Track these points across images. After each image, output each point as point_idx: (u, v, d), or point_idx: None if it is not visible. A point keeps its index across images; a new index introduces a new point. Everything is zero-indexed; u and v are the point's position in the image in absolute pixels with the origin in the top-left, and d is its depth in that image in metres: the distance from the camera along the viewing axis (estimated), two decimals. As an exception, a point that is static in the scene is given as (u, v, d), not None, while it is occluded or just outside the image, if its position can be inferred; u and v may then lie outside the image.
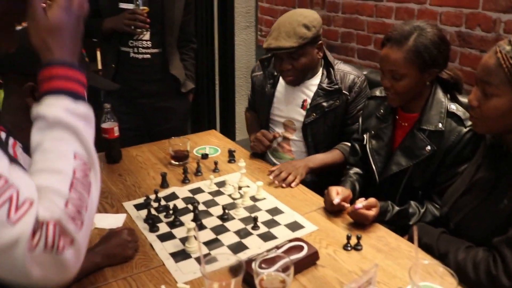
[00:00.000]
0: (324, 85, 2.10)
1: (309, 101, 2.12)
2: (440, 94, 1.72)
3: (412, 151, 1.72)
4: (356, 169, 1.95)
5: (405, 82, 1.66)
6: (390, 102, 1.77)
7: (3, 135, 1.19)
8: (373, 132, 1.88)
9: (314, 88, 2.12)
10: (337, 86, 2.08)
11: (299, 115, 2.15)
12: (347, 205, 1.61)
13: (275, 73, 2.21)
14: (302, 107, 2.14)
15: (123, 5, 2.34)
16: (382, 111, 1.86)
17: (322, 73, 2.12)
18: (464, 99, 1.77)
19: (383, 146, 1.83)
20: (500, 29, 2.16)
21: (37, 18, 0.82)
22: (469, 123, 1.64)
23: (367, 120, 1.93)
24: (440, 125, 1.67)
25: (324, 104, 2.09)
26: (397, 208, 1.67)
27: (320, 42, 2.05)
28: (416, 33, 1.63)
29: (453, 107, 1.69)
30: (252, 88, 2.39)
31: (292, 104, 2.17)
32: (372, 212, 1.54)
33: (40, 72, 0.83)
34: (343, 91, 2.08)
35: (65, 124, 0.79)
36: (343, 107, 2.09)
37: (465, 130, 1.65)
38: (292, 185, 1.85)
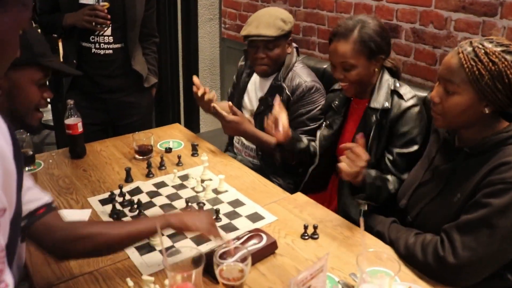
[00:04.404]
0: (274, 81, 2.17)
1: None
2: (386, 77, 1.83)
3: (365, 128, 1.80)
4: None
5: (356, 71, 1.77)
6: (346, 93, 1.88)
7: None
8: (328, 122, 1.99)
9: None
10: (279, 83, 2.14)
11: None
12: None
13: None
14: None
15: (83, 0, 2.32)
16: (337, 102, 1.97)
17: (280, 71, 2.17)
18: (421, 93, 1.89)
19: (330, 134, 1.96)
20: (451, 26, 2.27)
21: None
22: (410, 100, 1.74)
23: (327, 112, 2.04)
24: (387, 103, 1.76)
25: (269, 98, 2.16)
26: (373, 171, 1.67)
27: (290, 38, 2.16)
28: (359, 25, 1.76)
29: (397, 85, 1.80)
30: (236, 77, 2.46)
31: (258, 96, 2.26)
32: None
33: None
34: (286, 91, 2.12)
35: None
36: (286, 107, 2.06)
37: (405, 104, 1.73)
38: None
